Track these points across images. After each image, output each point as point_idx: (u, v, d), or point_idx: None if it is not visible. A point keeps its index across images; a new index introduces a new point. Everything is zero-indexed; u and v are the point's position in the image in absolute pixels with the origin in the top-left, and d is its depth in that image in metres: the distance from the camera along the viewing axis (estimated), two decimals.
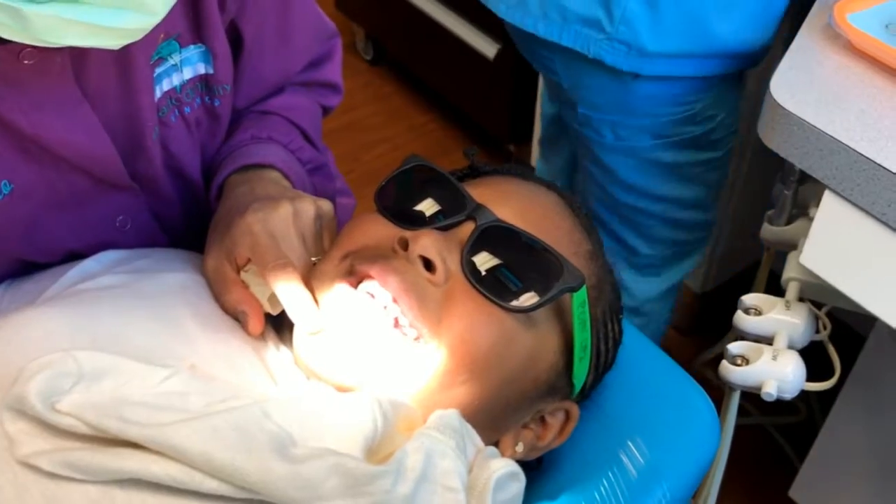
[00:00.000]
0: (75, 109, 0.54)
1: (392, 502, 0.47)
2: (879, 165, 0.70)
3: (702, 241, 1.20)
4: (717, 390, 0.92)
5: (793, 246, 0.94)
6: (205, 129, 0.67)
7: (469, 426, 0.55)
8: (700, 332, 1.65)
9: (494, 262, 0.58)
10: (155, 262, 0.62)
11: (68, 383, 0.46)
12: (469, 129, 2.11)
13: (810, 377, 0.83)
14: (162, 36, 0.58)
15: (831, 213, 0.75)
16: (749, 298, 0.89)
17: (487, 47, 1.75)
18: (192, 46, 0.61)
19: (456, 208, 0.59)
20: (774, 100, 0.76)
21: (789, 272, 0.90)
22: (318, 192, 0.72)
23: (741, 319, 0.88)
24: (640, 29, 0.90)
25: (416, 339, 0.55)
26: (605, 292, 0.64)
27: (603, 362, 0.64)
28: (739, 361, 0.85)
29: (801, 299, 0.89)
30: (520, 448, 0.60)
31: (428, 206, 0.61)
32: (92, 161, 0.57)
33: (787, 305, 0.87)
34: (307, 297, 0.56)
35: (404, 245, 0.56)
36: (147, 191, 0.64)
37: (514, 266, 0.58)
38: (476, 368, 0.55)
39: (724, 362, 0.86)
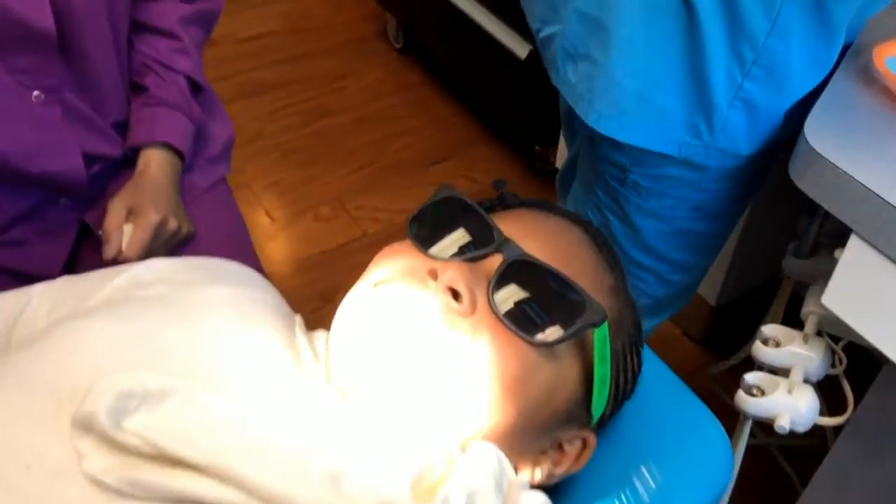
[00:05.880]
0: None
1: None
2: None
3: (679, 301, 1.14)
4: (725, 404, 0.92)
5: (814, 278, 0.94)
6: None
7: (505, 458, 0.56)
8: (712, 344, 1.65)
9: (519, 295, 0.59)
10: (206, 273, 0.66)
11: (134, 403, 0.49)
12: (494, 126, 2.10)
13: (825, 405, 0.84)
14: None
15: (856, 258, 0.75)
16: (768, 329, 0.89)
17: (519, 47, 1.74)
18: None
19: (484, 241, 0.60)
20: (808, 142, 0.76)
21: (809, 306, 0.90)
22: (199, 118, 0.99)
23: (759, 350, 0.88)
24: (739, 137, 0.85)
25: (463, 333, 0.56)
26: (626, 326, 0.65)
27: (621, 393, 0.65)
28: (755, 392, 0.86)
29: (819, 332, 0.89)
30: (538, 474, 0.61)
31: (458, 237, 0.62)
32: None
33: (806, 339, 0.87)
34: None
35: (434, 275, 0.57)
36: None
37: (539, 300, 0.59)
38: (499, 398, 0.56)
39: (740, 392, 0.86)
